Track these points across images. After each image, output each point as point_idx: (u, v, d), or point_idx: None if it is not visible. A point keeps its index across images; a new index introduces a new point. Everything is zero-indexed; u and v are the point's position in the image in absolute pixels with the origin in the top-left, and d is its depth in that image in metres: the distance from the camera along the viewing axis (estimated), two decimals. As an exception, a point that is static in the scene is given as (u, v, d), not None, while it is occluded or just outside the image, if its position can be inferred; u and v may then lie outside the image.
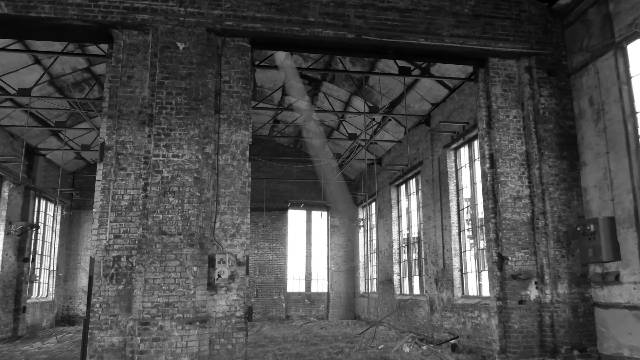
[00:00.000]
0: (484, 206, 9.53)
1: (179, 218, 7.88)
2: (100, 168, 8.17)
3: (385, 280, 19.81)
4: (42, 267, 20.55)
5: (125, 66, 8.49)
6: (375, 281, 22.12)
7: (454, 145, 14.46)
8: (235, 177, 8.50)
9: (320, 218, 25.01)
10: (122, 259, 7.88)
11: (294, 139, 23.72)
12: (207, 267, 8.10)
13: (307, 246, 24.76)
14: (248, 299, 8.38)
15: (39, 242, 20.11)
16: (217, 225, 8.28)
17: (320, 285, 24.57)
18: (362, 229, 24.02)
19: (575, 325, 8.74)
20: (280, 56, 16.27)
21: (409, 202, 18.49)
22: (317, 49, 9.62)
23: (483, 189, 9.62)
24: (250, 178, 8.67)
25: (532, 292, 9.04)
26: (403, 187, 19.11)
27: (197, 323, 7.72)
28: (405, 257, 18.77)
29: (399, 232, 19.22)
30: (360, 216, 24.20)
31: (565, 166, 9.33)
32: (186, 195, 7.99)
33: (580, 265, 9.00)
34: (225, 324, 8.00)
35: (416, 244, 17.67)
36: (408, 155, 17.35)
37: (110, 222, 7.92)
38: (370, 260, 22.87)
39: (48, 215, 20.98)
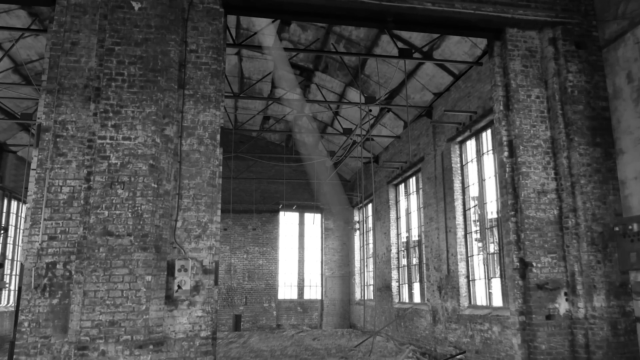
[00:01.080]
0: (502, 202, 7.93)
1: (129, 215, 6.25)
2: (35, 154, 6.54)
3: (383, 287, 18.20)
4: (13, 273, 18.83)
5: (68, 31, 6.88)
6: (372, 288, 20.50)
7: (460, 139, 12.89)
8: (202, 165, 6.88)
9: (313, 220, 23.40)
10: (57, 266, 6.24)
11: (286, 135, 22.13)
12: (165, 276, 6.46)
13: (299, 250, 23.12)
14: (217, 315, 6.75)
15: (9, 247, 18.42)
16: (179, 224, 6.66)
17: (313, 292, 22.92)
18: (357, 232, 22.40)
19: (615, 345, 7.14)
20: (268, 41, 14.71)
21: (408, 203, 16.91)
22: (304, 15, 8.02)
23: (500, 182, 8.02)
24: (221, 167, 7.05)
25: (562, 305, 7.43)
26: (402, 187, 17.53)
27: (151, 346, 6.09)
28: (404, 262, 17.16)
29: (398, 235, 17.62)
30: (356, 218, 22.59)
31: (599, 154, 7.75)
32: (139, 186, 6.36)
33: (620, 273, 7.40)
34: (187, 347, 6.36)
35: (416, 248, 16.07)
36: (409, 150, 15.77)
37: (45, 220, 6.29)
38: (367, 265, 21.25)
39: (20, 218, 19.28)
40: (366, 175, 20.48)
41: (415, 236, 16.26)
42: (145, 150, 6.47)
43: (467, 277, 12.54)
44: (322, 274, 22.90)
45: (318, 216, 23.43)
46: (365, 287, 21.22)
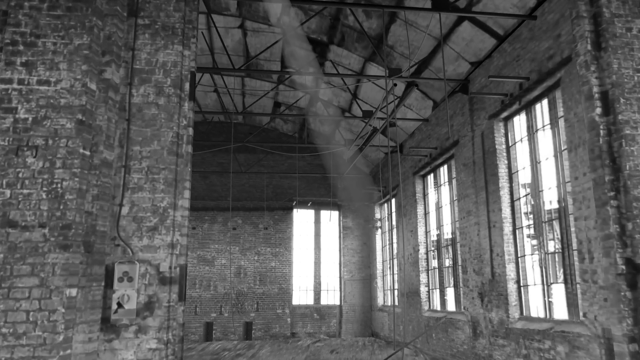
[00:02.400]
0: (595, 180, 5.52)
1: (44, 196, 4.05)
2: None
3: (410, 292, 15.79)
4: None
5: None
6: (396, 293, 18.10)
7: (505, 114, 10.48)
8: (161, 125, 4.64)
9: (330, 218, 21.08)
10: (-64, 273, 4.07)
11: (299, 124, 19.86)
12: (103, 290, 4.24)
13: (315, 251, 20.82)
14: (182, 344, 4.51)
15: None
16: (125, 210, 4.43)
17: (331, 297, 20.58)
18: (379, 230, 20.01)
19: None
20: (275, 10, 12.51)
21: (438, 195, 14.49)
22: None
23: (591, 151, 5.61)
24: (191, 129, 4.81)
25: (693, 328, 5.02)
26: (431, 177, 15.11)
27: (73, 399, 3.87)
28: (435, 263, 14.73)
29: (427, 233, 15.20)
30: (377, 215, 20.20)
31: None
32: (60, 153, 4.16)
33: None
34: (133, 398, 4.12)
35: (450, 248, 13.64)
36: (448, 128, 13.36)
37: None
38: (391, 267, 18.85)
39: None
40: (389, 167, 18.10)
41: (447, 234, 13.84)
42: (71, 100, 4.25)
43: (518, 282, 10.10)
44: (340, 277, 20.57)
45: (335, 213, 21.11)
46: (390, 291, 18.82)
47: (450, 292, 13.67)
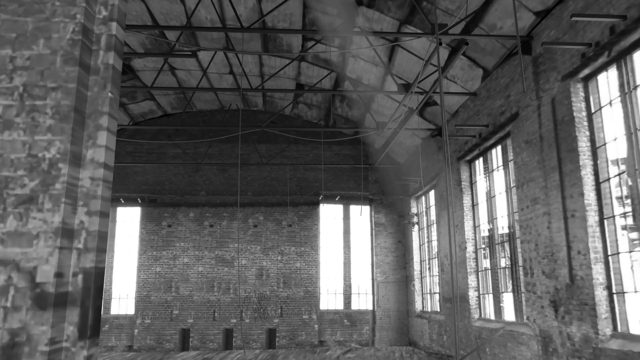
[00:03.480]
0: None
1: None
2: None
3: (454, 297, 13.37)
4: None
5: None
6: (437, 297, 15.69)
7: (586, 71, 8.03)
8: (55, 12, 2.51)
9: (360, 214, 18.82)
10: None
11: (324, 110, 17.67)
12: None
13: (344, 250, 18.57)
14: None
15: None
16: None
17: (363, 301, 18.30)
18: (416, 226, 17.61)
19: None
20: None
21: (490, 183, 12.05)
22: None
23: None
24: (120, 26, 2.66)
25: None
26: (479, 163, 12.68)
27: None
28: (486, 263, 12.29)
29: (475, 227, 12.77)
30: (414, 210, 17.81)
31: None
32: None
33: None
34: None
35: (506, 245, 11.19)
36: (524, 90, 10.97)
37: None
38: (430, 268, 16.45)
39: None
40: (425, 155, 15.73)
41: (503, 228, 11.39)
42: None
43: (609, 287, 7.64)
44: (373, 279, 18.27)
45: (366, 208, 18.82)
46: (429, 295, 16.42)
47: (508, 299, 11.23)
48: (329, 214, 18.67)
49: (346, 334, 17.63)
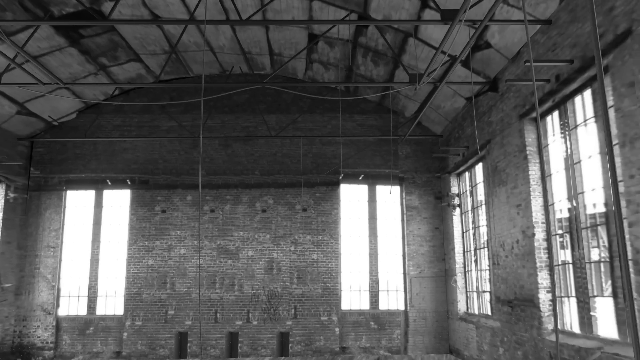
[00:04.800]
0: None
1: None
2: None
3: (517, 300, 10.06)
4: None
5: None
6: (488, 297, 12.34)
7: None
8: None
9: (389, 195, 15.55)
10: None
11: (345, 71, 14.35)
12: None
13: (370, 239, 15.34)
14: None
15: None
16: None
17: (393, 300, 15.07)
18: (457, 209, 14.23)
19: None
20: None
21: (570, 145, 8.62)
22: None
23: None
24: None
25: None
26: (553, 118, 9.24)
27: None
28: (565, 256, 8.90)
29: (545, 208, 9.33)
30: (455, 189, 14.42)
31: None
32: None
33: None
34: None
35: (601, 229, 7.80)
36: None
37: None
38: (478, 260, 13.08)
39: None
40: (471, 120, 12.34)
41: (595, 206, 7.98)
42: None
43: None
44: (405, 274, 15.01)
45: (396, 189, 15.53)
46: (478, 294, 13.07)
47: (602, 305, 7.84)
48: (351, 195, 15.45)
49: (373, 339, 14.47)
